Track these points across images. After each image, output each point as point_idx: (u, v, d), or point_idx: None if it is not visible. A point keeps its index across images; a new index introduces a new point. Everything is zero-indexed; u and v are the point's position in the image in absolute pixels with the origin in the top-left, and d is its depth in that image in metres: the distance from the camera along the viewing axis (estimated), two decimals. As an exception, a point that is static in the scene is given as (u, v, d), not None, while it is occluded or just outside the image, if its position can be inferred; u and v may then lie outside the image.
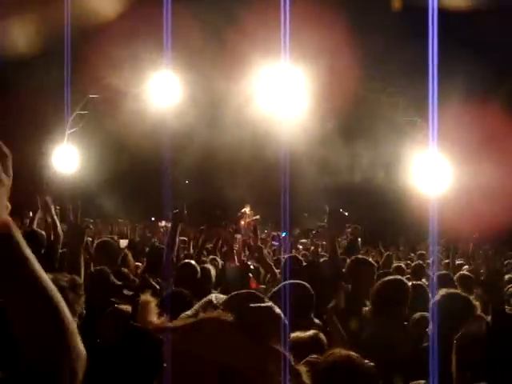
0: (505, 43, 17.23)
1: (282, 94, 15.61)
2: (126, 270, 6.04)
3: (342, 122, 18.36)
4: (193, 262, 6.38)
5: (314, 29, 14.54)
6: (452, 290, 4.02)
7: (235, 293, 1.89)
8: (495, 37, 17.00)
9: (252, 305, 1.77)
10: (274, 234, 17.87)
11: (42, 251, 5.91)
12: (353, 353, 2.63)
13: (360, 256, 6.24)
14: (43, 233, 6.53)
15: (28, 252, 1.44)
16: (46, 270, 1.49)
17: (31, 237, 5.97)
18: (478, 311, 3.82)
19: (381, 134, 17.55)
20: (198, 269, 6.05)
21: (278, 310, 1.81)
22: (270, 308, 1.80)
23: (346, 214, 14.48)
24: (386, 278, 4.63)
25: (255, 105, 16.08)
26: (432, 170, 15.74)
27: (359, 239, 14.33)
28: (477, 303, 3.92)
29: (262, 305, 1.79)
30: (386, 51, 15.89)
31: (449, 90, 12.93)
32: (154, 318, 1.70)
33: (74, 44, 11.27)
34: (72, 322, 1.50)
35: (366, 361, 2.59)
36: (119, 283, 5.23)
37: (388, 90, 17.42)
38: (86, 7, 13.80)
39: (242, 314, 1.64)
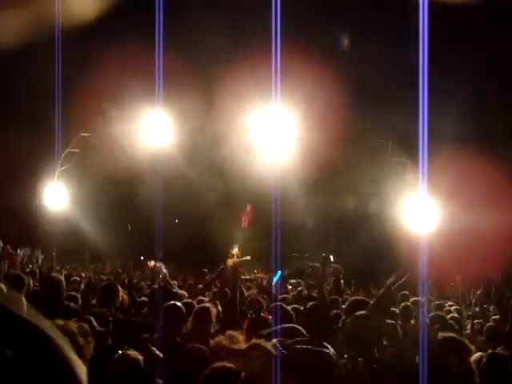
0: (493, 86, 17.58)
1: (272, 136, 15.76)
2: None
3: (331, 165, 18.49)
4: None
5: (304, 73, 14.78)
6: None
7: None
8: (482, 81, 17.34)
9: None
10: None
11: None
12: None
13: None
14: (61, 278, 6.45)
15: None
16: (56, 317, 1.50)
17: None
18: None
19: (370, 176, 17.71)
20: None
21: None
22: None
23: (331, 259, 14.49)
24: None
25: (246, 147, 16.21)
26: (421, 212, 15.86)
27: (341, 281, 14.32)
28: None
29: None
30: (376, 93, 16.15)
31: (438, 132, 13.13)
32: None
33: (66, 83, 11.36)
34: (82, 371, 1.49)
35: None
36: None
37: (377, 132, 17.64)
38: (77, 46, 13.97)
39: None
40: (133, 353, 4.20)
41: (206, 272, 15.87)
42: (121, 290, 7.39)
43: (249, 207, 19.58)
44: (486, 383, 3.83)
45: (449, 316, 7.31)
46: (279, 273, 19.11)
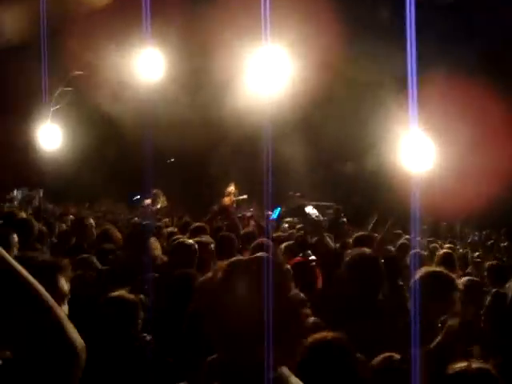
0: (489, 20, 17.25)
1: (267, 73, 15.53)
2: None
3: (326, 102, 18.33)
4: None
5: (298, 8, 14.47)
6: (435, 268, 4.05)
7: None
8: (479, 18, 17.02)
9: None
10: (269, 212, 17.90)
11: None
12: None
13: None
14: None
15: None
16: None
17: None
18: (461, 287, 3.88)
19: (366, 113, 17.58)
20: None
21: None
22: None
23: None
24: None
25: (240, 83, 16.02)
26: (416, 149, 15.78)
27: (344, 219, 14.42)
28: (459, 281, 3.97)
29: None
30: (369, 29, 15.87)
31: (434, 68, 12.97)
32: None
33: (56, 22, 11.14)
34: (63, 316, 1.47)
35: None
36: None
37: (373, 69, 17.42)
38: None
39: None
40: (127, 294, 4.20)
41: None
42: (113, 227, 7.44)
43: (233, 186, 19.33)
44: (490, 323, 3.82)
45: (440, 252, 7.36)
46: (278, 209, 19.26)
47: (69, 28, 14.45)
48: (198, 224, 8.45)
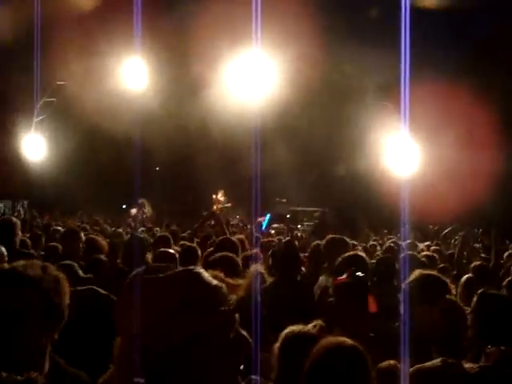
0: (476, 27, 17.43)
1: (253, 80, 15.55)
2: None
3: (312, 107, 18.39)
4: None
5: (284, 16, 14.53)
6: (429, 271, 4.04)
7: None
8: (467, 22, 17.18)
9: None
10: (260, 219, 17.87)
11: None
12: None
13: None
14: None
15: None
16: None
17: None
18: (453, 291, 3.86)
19: (352, 118, 17.64)
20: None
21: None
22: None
23: None
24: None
25: (225, 90, 16.03)
26: (402, 153, 15.86)
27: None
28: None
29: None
30: (357, 36, 15.96)
31: (420, 72, 13.05)
32: None
33: (41, 31, 11.10)
34: None
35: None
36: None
37: (358, 74, 17.52)
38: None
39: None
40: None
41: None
42: (101, 237, 7.37)
43: (220, 194, 19.31)
44: (478, 323, 3.76)
45: (422, 254, 7.37)
46: (268, 216, 19.23)
47: (51, 39, 14.38)
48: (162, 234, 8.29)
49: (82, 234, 6.84)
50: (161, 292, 1.43)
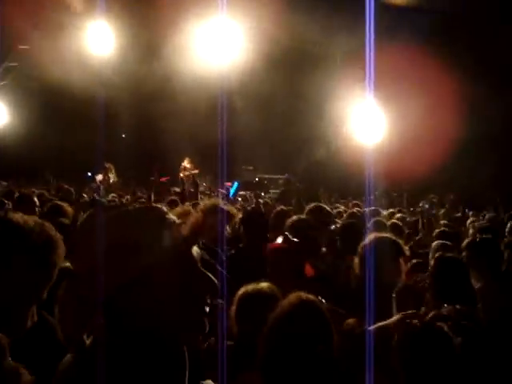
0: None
1: (218, 45, 15.44)
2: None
3: (277, 73, 18.32)
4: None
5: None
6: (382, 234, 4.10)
7: None
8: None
9: None
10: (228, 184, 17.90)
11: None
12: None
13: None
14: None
15: None
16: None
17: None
18: (407, 253, 3.95)
19: (317, 84, 17.63)
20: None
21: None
22: None
23: None
24: None
25: (191, 55, 15.88)
26: (367, 120, 15.98)
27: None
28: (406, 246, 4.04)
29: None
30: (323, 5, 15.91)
31: (385, 37, 13.07)
32: None
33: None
34: None
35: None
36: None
37: (324, 40, 17.46)
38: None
39: None
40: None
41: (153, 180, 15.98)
42: (65, 203, 7.30)
43: (187, 161, 19.20)
44: (435, 284, 3.90)
45: (388, 222, 7.45)
46: (236, 184, 19.25)
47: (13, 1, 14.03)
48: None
49: (36, 199, 6.81)
50: (111, 229, 1.43)
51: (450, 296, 3.55)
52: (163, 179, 19.27)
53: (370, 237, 3.76)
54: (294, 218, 5.15)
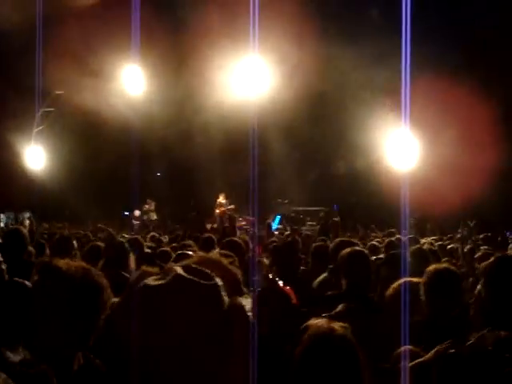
0: (476, 26, 17.41)
1: (252, 82, 15.56)
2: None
3: (312, 107, 18.40)
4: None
5: (282, 17, 14.55)
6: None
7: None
8: (467, 19, 17.17)
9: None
10: (269, 221, 17.81)
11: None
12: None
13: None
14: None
15: None
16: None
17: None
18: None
19: (352, 116, 17.64)
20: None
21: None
22: None
23: None
24: None
25: (223, 93, 16.04)
26: (403, 149, 15.83)
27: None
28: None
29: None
30: (357, 34, 15.98)
31: (420, 68, 13.04)
32: None
33: (39, 40, 11.12)
34: None
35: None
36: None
37: (358, 72, 17.49)
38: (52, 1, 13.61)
39: None
40: None
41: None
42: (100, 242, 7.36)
43: (222, 197, 19.22)
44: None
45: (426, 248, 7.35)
46: (278, 217, 19.25)
47: (48, 48, 14.42)
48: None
49: (75, 242, 6.86)
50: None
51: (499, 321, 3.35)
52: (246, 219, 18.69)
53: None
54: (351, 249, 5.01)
